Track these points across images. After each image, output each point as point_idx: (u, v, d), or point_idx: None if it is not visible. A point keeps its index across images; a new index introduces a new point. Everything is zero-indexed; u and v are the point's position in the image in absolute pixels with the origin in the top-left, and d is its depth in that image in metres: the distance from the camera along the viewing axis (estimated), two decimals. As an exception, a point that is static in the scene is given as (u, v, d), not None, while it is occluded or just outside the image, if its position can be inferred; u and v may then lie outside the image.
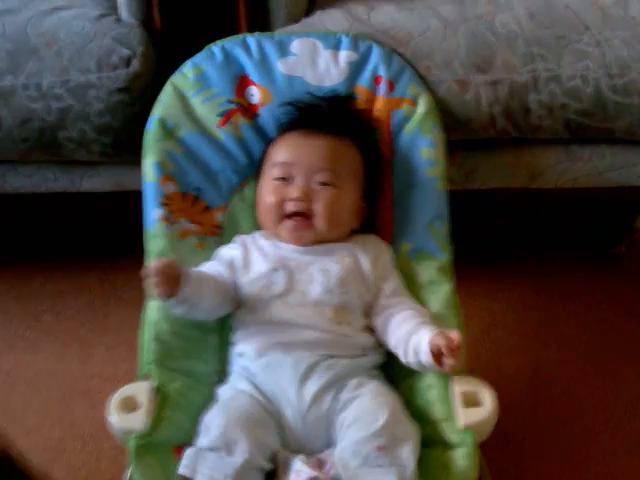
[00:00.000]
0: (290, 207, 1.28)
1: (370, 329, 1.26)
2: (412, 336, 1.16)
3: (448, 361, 1.10)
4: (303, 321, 1.20)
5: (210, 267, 1.28)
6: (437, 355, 1.11)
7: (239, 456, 1.05)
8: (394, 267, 1.31)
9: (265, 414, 1.14)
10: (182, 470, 1.06)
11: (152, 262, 1.14)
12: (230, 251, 1.30)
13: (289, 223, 1.28)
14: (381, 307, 1.25)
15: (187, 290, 1.15)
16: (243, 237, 1.33)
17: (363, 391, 1.15)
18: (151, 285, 1.12)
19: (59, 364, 1.68)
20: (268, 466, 1.09)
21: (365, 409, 1.11)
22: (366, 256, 1.28)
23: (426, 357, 1.13)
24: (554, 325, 1.78)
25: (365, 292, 1.26)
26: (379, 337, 1.25)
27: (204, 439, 1.08)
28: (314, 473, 1.06)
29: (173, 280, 1.14)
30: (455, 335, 1.10)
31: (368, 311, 1.26)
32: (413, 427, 1.12)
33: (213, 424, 1.10)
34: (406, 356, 1.18)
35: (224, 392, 1.19)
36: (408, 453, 1.06)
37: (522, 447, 1.49)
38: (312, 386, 1.15)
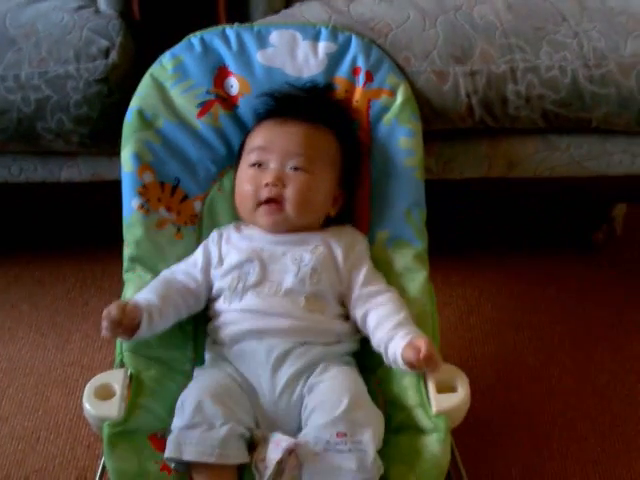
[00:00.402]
0: (264, 194, 1.28)
1: (344, 316, 1.26)
2: (389, 345, 1.17)
3: (424, 369, 1.13)
4: (276, 310, 1.21)
5: (185, 269, 1.28)
6: (413, 365, 1.13)
7: (221, 428, 1.06)
8: (368, 257, 1.31)
9: (240, 391, 1.15)
10: (168, 454, 1.06)
11: (111, 306, 1.15)
12: (205, 249, 1.30)
13: (262, 209, 1.28)
14: (357, 299, 1.25)
15: (144, 329, 1.16)
16: (217, 233, 1.32)
17: (327, 376, 1.16)
18: (108, 329, 1.13)
19: (36, 352, 1.67)
20: (248, 434, 1.10)
21: (327, 395, 1.12)
22: (339, 245, 1.28)
23: (404, 367, 1.15)
24: (528, 312, 1.78)
25: (337, 282, 1.26)
26: (361, 330, 1.25)
27: (178, 419, 1.09)
28: (293, 441, 1.06)
29: (130, 326, 1.15)
30: (424, 345, 1.11)
31: (342, 300, 1.26)
32: (375, 413, 1.12)
33: (188, 400, 1.10)
34: (387, 361, 1.19)
35: (201, 371, 1.20)
36: (368, 439, 1.06)
37: (495, 432, 1.49)
38: (284, 373, 1.16)
